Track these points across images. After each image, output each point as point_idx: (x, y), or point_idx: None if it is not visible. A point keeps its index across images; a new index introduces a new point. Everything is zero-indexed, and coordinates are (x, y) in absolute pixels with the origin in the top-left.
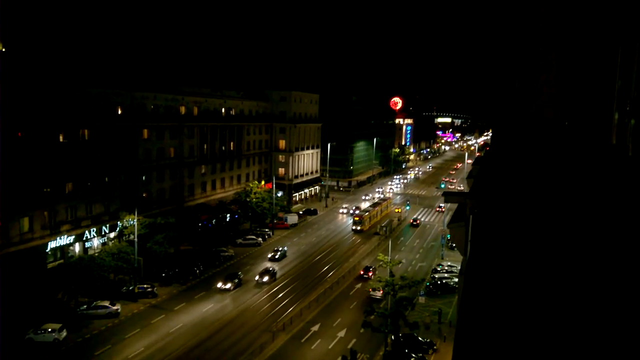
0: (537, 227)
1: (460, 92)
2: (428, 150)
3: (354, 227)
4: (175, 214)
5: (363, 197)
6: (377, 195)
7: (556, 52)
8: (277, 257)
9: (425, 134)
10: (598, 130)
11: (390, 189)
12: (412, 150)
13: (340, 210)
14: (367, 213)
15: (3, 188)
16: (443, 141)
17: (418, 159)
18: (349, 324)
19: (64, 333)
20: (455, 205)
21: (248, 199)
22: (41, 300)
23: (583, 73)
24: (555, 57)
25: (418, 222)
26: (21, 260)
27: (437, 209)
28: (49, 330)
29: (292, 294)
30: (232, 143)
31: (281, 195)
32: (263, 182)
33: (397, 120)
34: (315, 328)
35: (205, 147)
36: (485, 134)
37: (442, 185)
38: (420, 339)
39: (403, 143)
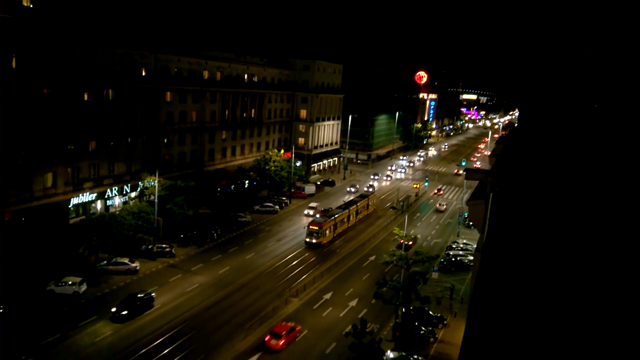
0: (558, 209)
1: (488, 69)
2: (451, 127)
3: (307, 240)
4: (195, 177)
5: (369, 180)
6: (388, 174)
7: (592, 35)
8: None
9: (449, 110)
10: (630, 115)
11: (410, 164)
12: (434, 126)
13: (348, 189)
14: (331, 218)
15: (28, 142)
16: (467, 118)
17: (440, 135)
18: (360, 294)
19: (84, 286)
20: (475, 184)
21: (267, 167)
22: (62, 254)
23: (621, 57)
24: (591, 41)
25: (445, 207)
26: (44, 214)
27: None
28: (70, 283)
29: (305, 263)
30: (253, 110)
31: (300, 165)
32: (282, 151)
33: (421, 95)
34: (328, 296)
35: (226, 112)
36: (511, 113)
37: (463, 163)
38: (431, 313)
39: (426, 118)
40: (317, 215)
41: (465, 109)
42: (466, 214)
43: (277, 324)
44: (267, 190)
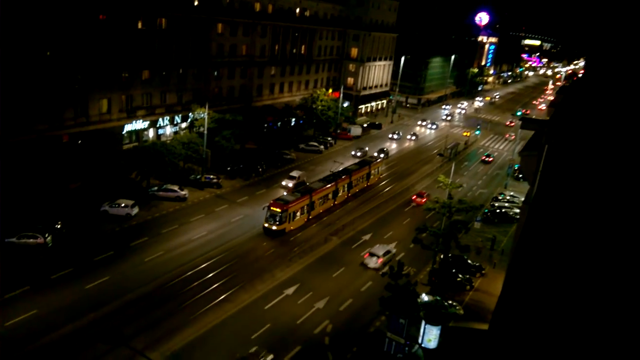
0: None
1: (554, 13)
2: (509, 73)
3: (266, 225)
4: (243, 112)
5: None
6: (442, 118)
7: None
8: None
9: (508, 55)
10: None
11: (462, 110)
12: (491, 72)
13: (390, 135)
14: (304, 197)
15: (85, 68)
16: (527, 65)
17: (497, 82)
18: (399, 238)
19: (136, 209)
20: (529, 135)
21: (314, 106)
22: (116, 178)
23: None
24: None
25: (491, 160)
26: (99, 139)
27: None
28: (123, 205)
29: (347, 203)
30: (303, 46)
31: (347, 106)
32: (330, 90)
33: (479, 38)
34: (367, 237)
35: (276, 47)
36: (575, 62)
37: (519, 113)
38: (469, 262)
39: (483, 63)
40: (285, 194)
41: (526, 55)
42: (516, 165)
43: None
44: (313, 130)
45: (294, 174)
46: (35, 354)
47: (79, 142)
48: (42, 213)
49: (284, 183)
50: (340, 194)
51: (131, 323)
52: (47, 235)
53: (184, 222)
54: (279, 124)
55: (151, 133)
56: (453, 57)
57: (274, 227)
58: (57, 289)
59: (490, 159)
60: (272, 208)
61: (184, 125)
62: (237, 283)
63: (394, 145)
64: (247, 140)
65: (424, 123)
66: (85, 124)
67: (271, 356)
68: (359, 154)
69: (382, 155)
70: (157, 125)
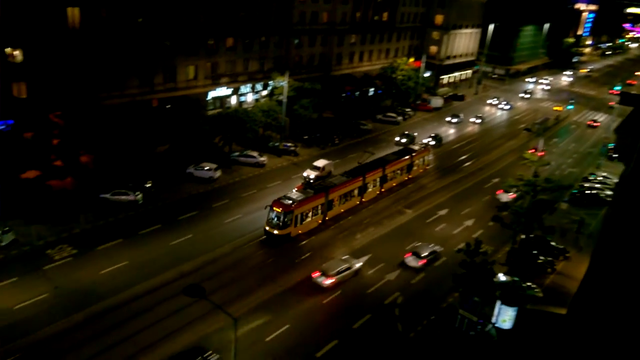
0: None
1: None
2: (609, 45)
3: (267, 228)
4: (322, 81)
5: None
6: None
7: None
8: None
9: (609, 25)
10: None
11: (544, 87)
12: (589, 42)
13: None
14: (316, 196)
15: (173, 35)
16: (629, 36)
17: (594, 53)
18: (477, 215)
19: (219, 173)
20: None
21: (393, 75)
22: (201, 142)
23: None
24: None
25: (597, 125)
26: (186, 104)
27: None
28: (206, 168)
29: (424, 177)
30: (385, 13)
31: (429, 76)
32: (412, 59)
33: (577, 6)
34: (443, 212)
35: (357, 15)
36: None
37: (617, 88)
38: (552, 243)
39: (579, 33)
40: (295, 192)
41: (629, 25)
42: (611, 144)
43: None
44: (391, 100)
45: (319, 163)
46: (126, 302)
47: (168, 106)
48: (134, 173)
49: (305, 174)
50: (369, 190)
51: (209, 280)
52: (137, 193)
53: (262, 187)
54: (357, 93)
55: (234, 100)
56: (546, 25)
57: (275, 232)
58: (145, 244)
59: (597, 124)
60: (274, 208)
61: (264, 93)
62: (308, 250)
63: (451, 130)
64: (324, 110)
65: (495, 102)
66: (173, 89)
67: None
68: (403, 140)
69: (432, 143)
70: (239, 93)
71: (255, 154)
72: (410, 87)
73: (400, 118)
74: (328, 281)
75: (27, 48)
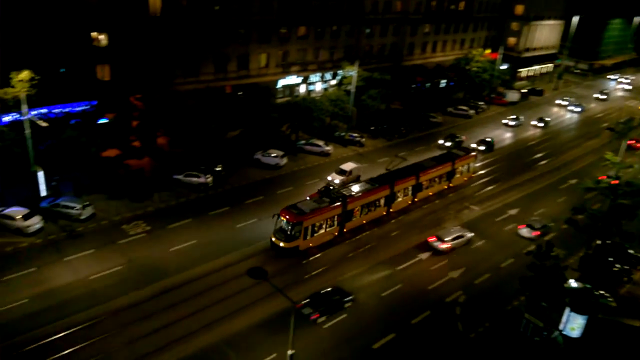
0: None
1: None
2: None
3: (273, 240)
4: (391, 71)
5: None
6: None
7: None
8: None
9: None
10: None
11: (636, 82)
12: None
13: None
14: (332, 206)
15: (246, 23)
16: None
17: None
18: (551, 217)
19: (285, 160)
20: None
21: (467, 67)
22: (269, 129)
23: None
24: None
25: None
26: (257, 92)
27: None
28: (273, 155)
29: (495, 173)
30: (461, 3)
31: (505, 69)
32: (488, 51)
33: None
34: (513, 212)
35: (432, 4)
36: None
37: None
38: (631, 251)
39: None
40: (308, 200)
41: None
42: None
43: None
44: (464, 93)
45: (346, 167)
46: (192, 280)
47: (239, 94)
48: (205, 156)
49: (329, 178)
50: (399, 200)
51: (271, 263)
52: (208, 176)
53: (325, 177)
54: (428, 85)
55: (302, 88)
56: (637, 18)
57: (282, 244)
58: (213, 225)
59: None
60: (282, 217)
61: (333, 82)
62: (368, 242)
63: (507, 134)
64: (393, 101)
65: (564, 103)
66: (245, 77)
67: None
68: (447, 144)
69: (480, 148)
70: (309, 81)
71: (321, 143)
72: (484, 79)
73: (472, 112)
74: (444, 246)
75: (111, 33)
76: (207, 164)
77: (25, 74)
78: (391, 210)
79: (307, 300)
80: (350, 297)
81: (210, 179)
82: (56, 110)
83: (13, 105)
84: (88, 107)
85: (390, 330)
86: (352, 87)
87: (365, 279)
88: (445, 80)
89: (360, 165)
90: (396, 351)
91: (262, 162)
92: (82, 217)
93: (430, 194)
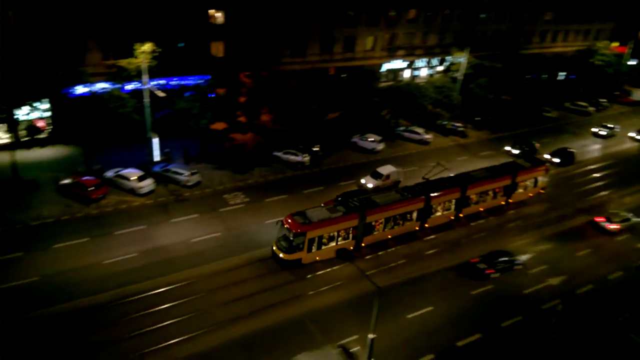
0: None
1: None
2: None
3: (274, 248)
4: (504, 60)
5: None
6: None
7: None
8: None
9: None
10: None
11: None
12: None
13: None
14: (334, 219)
15: (357, 5)
16: None
17: None
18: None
19: (382, 145)
20: None
21: (591, 60)
22: (369, 113)
23: None
24: None
25: None
26: (360, 75)
27: None
28: (371, 139)
29: (609, 178)
30: None
31: (635, 64)
32: (616, 44)
33: None
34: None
35: None
36: None
37: None
38: None
39: None
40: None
41: None
42: None
43: None
44: (583, 88)
45: (383, 170)
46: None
47: (343, 76)
48: (304, 135)
49: (363, 181)
50: (437, 215)
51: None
52: (305, 155)
53: (422, 165)
54: (545, 76)
55: (407, 73)
56: None
57: (281, 255)
58: (307, 202)
59: None
60: (285, 225)
61: (440, 68)
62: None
63: (595, 146)
64: (503, 91)
65: None
66: (350, 59)
67: None
68: (515, 151)
69: (555, 160)
70: (414, 66)
71: (420, 130)
72: (609, 74)
73: (592, 109)
74: (613, 226)
75: (227, 11)
76: (305, 143)
77: (147, 46)
78: (426, 225)
79: (482, 257)
80: (520, 262)
81: (307, 158)
82: (173, 82)
83: (135, 75)
84: (202, 81)
85: (476, 329)
86: (459, 75)
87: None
88: (564, 73)
89: (400, 170)
90: (480, 352)
91: (358, 146)
92: (189, 184)
93: (481, 209)
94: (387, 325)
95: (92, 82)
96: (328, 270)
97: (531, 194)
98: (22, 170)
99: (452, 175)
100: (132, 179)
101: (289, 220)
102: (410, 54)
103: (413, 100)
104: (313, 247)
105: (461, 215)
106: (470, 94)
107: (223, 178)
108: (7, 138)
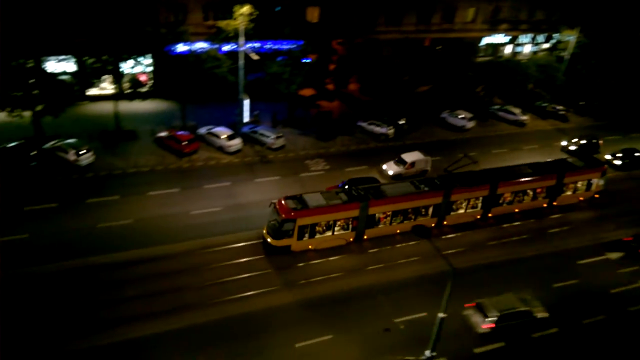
0: None
1: None
2: None
3: (264, 231)
4: (622, 40)
5: None
6: None
7: None
8: None
9: None
10: None
11: None
12: None
13: None
14: (331, 207)
15: None
16: None
17: None
18: None
19: (472, 123)
20: None
21: None
22: (462, 89)
23: None
24: None
25: None
26: (457, 47)
27: None
28: (461, 116)
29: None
30: None
31: None
32: None
33: None
34: None
35: None
36: None
37: None
38: None
39: None
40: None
41: None
42: None
43: None
44: None
45: (408, 157)
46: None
47: (438, 47)
48: (391, 107)
49: (384, 167)
50: (459, 212)
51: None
52: (390, 127)
53: (515, 148)
54: None
55: (508, 49)
56: None
57: (269, 240)
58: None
59: None
60: (276, 207)
61: (545, 46)
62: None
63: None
64: (616, 75)
65: None
66: (448, 30)
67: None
68: (572, 147)
69: (616, 162)
70: (516, 42)
71: (516, 111)
72: None
73: None
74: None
75: None
76: (391, 115)
77: (246, 9)
78: (445, 223)
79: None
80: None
81: (391, 131)
82: (267, 46)
83: (232, 36)
84: (295, 46)
85: (554, 323)
86: (566, 54)
87: (541, 263)
88: None
89: (428, 158)
90: (557, 347)
91: (447, 122)
92: (274, 146)
93: (516, 210)
94: (458, 306)
95: (192, 42)
96: (403, 243)
97: (581, 198)
98: (124, 121)
99: (483, 170)
100: (222, 137)
101: (281, 204)
102: (513, 28)
103: (512, 78)
104: (304, 235)
105: (490, 215)
106: (577, 75)
107: (306, 144)
108: (112, 89)
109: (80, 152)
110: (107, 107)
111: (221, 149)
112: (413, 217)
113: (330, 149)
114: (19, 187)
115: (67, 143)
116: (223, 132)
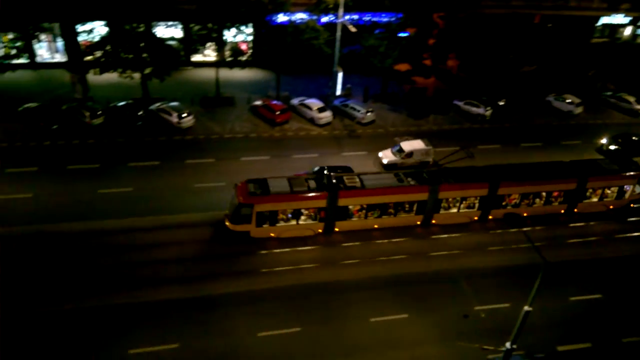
0: None
1: None
2: None
3: (225, 213)
4: None
5: None
6: None
7: None
8: None
9: None
10: None
11: None
12: None
13: None
14: (295, 194)
15: None
16: None
17: None
18: None
19: (580, 109)
20: None
21: None
22: (571, 71)
23: None
24: None
25: None
26: (570, 26)
27: None
28: (568, 101)
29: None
30: None
31: None
32: None
33: None
34: None
35: None
36: None
37: None
38: None
39: None
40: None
41: None
42: None
43: None
44: None
45: (407, 145)
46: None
47: (549, 25)
48: (491, 87)
49: (380, 154)
50: (450, 211)
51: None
52: (488, 108)
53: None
54: None
55: (627, 31)
56: None
57: (227, 223)
58: (479, 160)
59: None
60: (236, 190)
61: None
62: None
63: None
64: None
65: None
66: (561, 7)
67: None
68: (612, 147)
69: None
70: (638, 24)
71: (631, 99)
72: None
73: None
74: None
75: None
76: (490, 95)
77: None
78: (433, 222)
79: None
80: None
81: (489, 112)
82: (365, 18)
83: (332, 7)
84: (394, 19)
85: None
86: None
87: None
88: None
89: (430, 148)
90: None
91: (552, 106)
92: (364, 121)
93: (525, 215)
94: (546, 304)
95: (292, 12)
96: (489, 230)
97: (612, 207)
98: (223, 87)
99: (486, 166)
100: (313, 109)
101: (241, 187)
102: (636, 9)
103: (632, 62)
104: (264, 222)
105: (490, 217)
106: None
107: (397, 120)
108: (214, 56)
109: (182, 115)
110: (208, 73)
111: (312, 120)
112: (394, 212)
113: (421, 127)
114: (126, 144)
115: (171, 106)
116: (315, 104)
